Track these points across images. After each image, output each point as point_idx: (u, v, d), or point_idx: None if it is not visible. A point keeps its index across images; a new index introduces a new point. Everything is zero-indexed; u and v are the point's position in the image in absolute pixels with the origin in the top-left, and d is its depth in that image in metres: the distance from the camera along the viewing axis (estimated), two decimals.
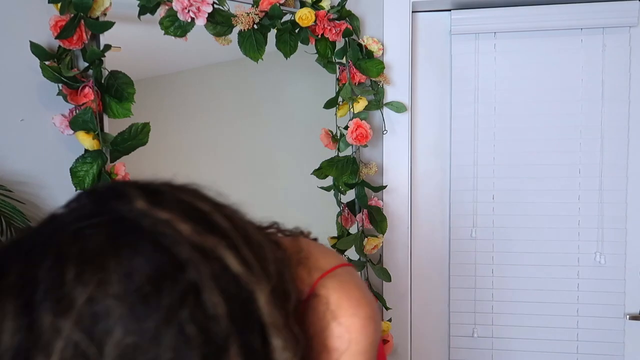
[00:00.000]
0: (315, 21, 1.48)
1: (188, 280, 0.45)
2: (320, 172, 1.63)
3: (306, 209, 1.89)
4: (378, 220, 1.64)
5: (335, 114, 1.65)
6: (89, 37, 1.23)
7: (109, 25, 1.22)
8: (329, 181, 1.63)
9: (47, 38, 1.22)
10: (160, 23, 1.31)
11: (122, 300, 0.43)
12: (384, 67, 1.62)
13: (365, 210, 1.64)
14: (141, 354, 0.42)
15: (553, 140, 1.71)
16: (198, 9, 1.30)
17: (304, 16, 1.46)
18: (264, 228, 0.73)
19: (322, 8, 1.51)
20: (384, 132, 1.67)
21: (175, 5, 1.29)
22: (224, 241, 0.50)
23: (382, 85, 1.66)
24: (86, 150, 1.22)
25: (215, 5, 1.34)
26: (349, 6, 1.58)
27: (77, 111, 1.22)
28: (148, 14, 1.30)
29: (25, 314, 0.43)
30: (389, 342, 1.69)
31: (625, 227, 1.70)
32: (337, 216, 1.65)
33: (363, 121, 1.60)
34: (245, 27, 1.39)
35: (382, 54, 1.65)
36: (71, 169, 1.20)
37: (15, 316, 0.42)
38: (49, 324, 0.42)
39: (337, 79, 1.64)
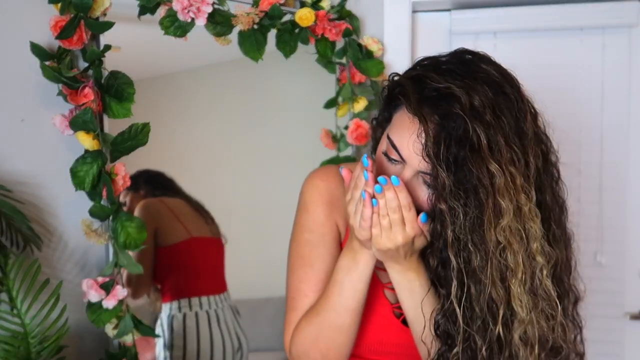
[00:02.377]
0: (315, 21, 1.48)
1: None
2: None
3: None
4: None
5: (335, 114, 1.65)
6: (89, 37, 1.23)
7: (109, 25, 1.22)
8: None
9: (47, 38, 1.21)
10: (160, 23, 1.31)
11: None
12: (384, 67, 1.62)
13: None
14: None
15: (552, 140, 1.71)
16: (198, 9, 1.30)
17: (304, 16, 1.46)
18: None
19: (322, 8, 1.51)
20: None
21: (175, 6, 1.29)
22: None
23: (382, 85, 1.65)
24: (86, 151, 1.22)
25: (215, 5, 1.34)
26: (349, 6, 1.58)
27: (77, 111, 1.22)
28: (148, 14, 1.30)
29: None
30: None
31: (624, 226, 1.70)
32: None
33: (363, 121, 1.60)
34: (245, 27, 1.39)
35: (382, 54, 1.65)
36: (71, 169, 1.20)
37: None
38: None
39: (337, 79, 1.64)
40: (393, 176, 0.84)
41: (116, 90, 1.23)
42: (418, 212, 0.86)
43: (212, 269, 1.71)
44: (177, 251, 1.57)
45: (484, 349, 0.82)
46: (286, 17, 1.47)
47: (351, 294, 0.92)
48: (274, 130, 1.80)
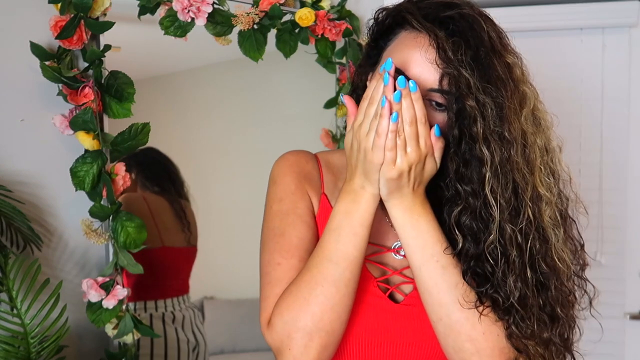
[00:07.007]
0: (315, 21, 1.48)
1: None
2: None
3: None
4: None
5: (335, 114, 1.65)
6: (89, 37, 1.23)
7: (109, 25, 1.22)
8: None
9: (47, 38, 1.22)
10: (160, 23, 1.31)
11: None
12: None
13: None
14: None
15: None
16: (198, 9, 1.30)
17: (304, 16, 1.46)
18: None
19: (322, 8, 1.51)
20: None
21: (175, 5, 1.29)
22: None
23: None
24: (86, 150, 1.22)
25: (215, 5, 1.34)
26: (349, 6, 1.58)
27: (77, 111, 1.22)
28: (148, 14, 1.30)
29: None
30: None
31: (624, 226, 1.70)
32: None
33: None
34: (245, 27, 1.39)
35: None
36: (71, 169, 1.20)
37: None
38: None
39: (337, 79, 1.64)
40: (412, 80, 0.77)
41: (116, 90, 1.23)
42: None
43: (176, 275, 1.64)
44: (144, 257, 1.42)
45: (516, 232, 0.81)
46: (286, 17, 1.47)
47: (351, 239, 0.81)
48: (274, 130, 1.80)
